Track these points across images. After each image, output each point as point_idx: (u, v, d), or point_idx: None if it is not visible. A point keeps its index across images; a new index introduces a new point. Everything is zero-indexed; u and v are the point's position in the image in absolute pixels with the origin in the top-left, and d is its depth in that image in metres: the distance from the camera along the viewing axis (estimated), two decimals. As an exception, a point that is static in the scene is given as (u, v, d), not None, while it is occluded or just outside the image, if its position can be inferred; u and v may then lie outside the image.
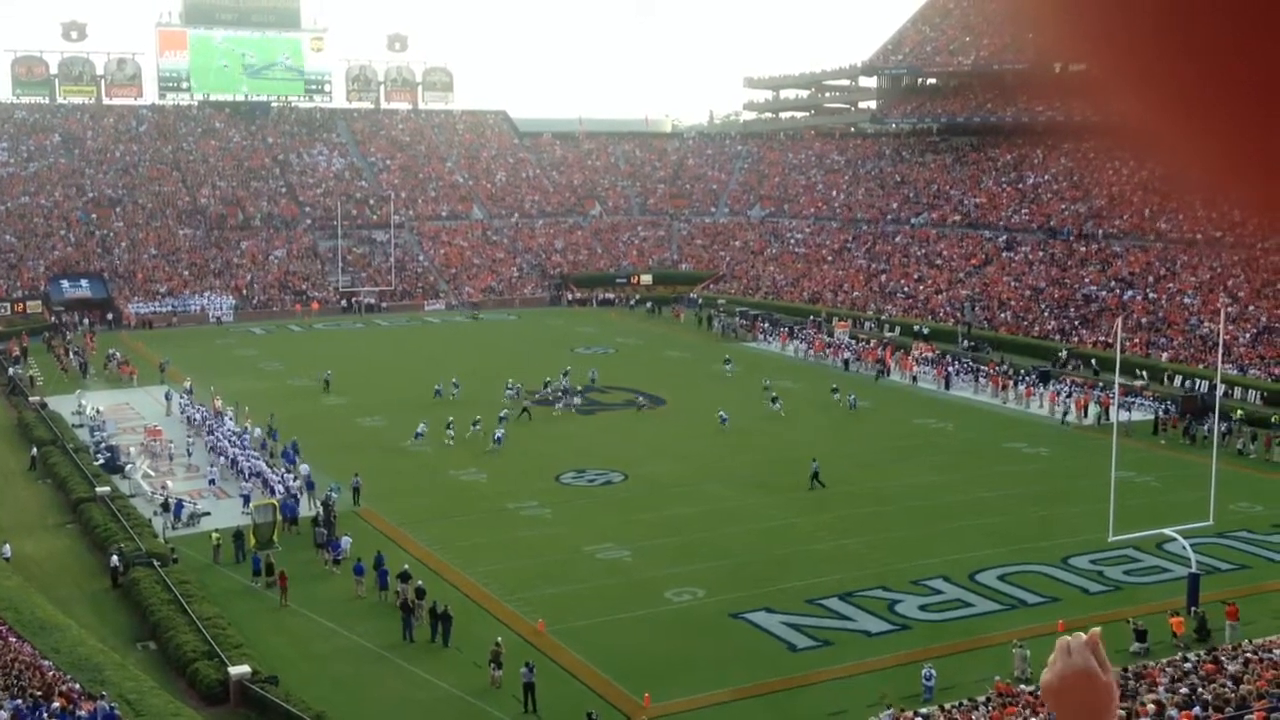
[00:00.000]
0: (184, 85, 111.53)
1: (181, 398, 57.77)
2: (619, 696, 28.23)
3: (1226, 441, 46.34)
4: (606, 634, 31.17)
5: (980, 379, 62.59)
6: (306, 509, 41.34)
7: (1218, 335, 47.29)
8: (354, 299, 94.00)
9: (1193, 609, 31.52)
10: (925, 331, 74.06)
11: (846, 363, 69.16)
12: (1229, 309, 62.23)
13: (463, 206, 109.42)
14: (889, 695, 26.35)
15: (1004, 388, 60.60)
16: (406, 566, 34.50)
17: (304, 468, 44.65)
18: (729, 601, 33.08)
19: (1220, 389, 45.26)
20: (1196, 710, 19.79)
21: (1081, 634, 2.16)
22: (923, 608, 32.84)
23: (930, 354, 67.84)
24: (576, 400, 58.16)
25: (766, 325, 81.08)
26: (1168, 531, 34.73)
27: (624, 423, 53.48)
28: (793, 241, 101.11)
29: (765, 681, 28.51)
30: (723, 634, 31.27)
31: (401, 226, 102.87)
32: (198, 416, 54.12)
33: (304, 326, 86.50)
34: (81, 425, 54.02)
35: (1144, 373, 59.79)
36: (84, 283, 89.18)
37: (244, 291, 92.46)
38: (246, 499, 41.65)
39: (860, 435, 51.50)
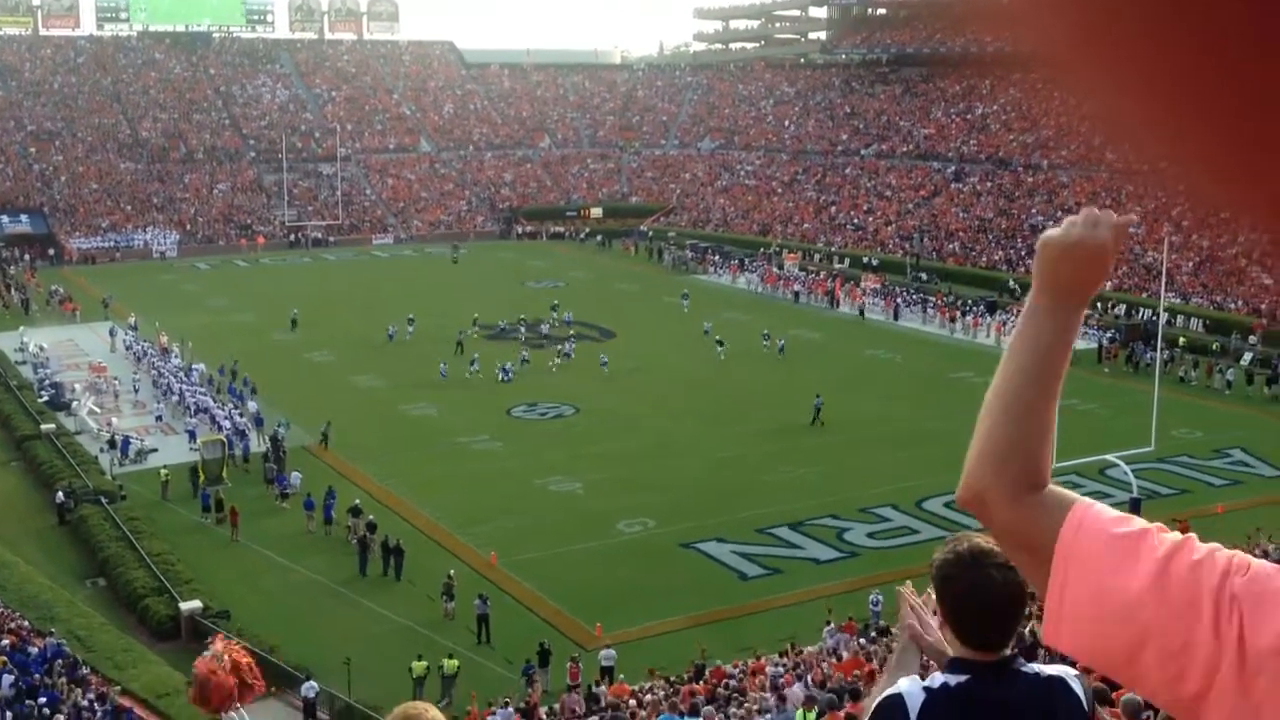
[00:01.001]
0: (122, 15, 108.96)
1: (126, 334, 57.09)
2: (572, 627, 28.50)
3: (1169, 369, 47.02)
4: (559, 565, 31.38)
5: (928, 310, 63.06)
6: (256, 445, 41.14)
7: (1161, 264, 47.85)
8: (300, 234, 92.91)
9: (1134, 533, 32.11)
10: (874, 263, 74.38)
11: (797, 295, 69.43)
12: (1173, 238, 62.88)
13: (410, 139, 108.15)
14: (833, 612, 26.84)
15: (952, 318, 61.12)
16: (358, 501, 34.50)
17: (252, 404, 44.37)
18: (680, 532, 33.37)
19: (1163, 317, 45.88)
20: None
21: (1113, 213, 1.85)
22: (871, 535, 33.31)
23: (878, 285, 68.18)
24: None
25: (717, 258, 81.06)
26: (1110, 457, 35.36)
27: (576, 356, 53.43)
28: (743, 174, 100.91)
29: (716, 609, 28.86)
30: (674, 564, 31.58)
31: (348, 160, 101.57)
32: (143, 352, 53.53)
33: (250, 261, 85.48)
34: (25, 362, 53.29)
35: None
36: (24, 218, 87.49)
37: (188, 226, 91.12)
38: (193, 435, 41.36)
39: (810, 367, 51.75)
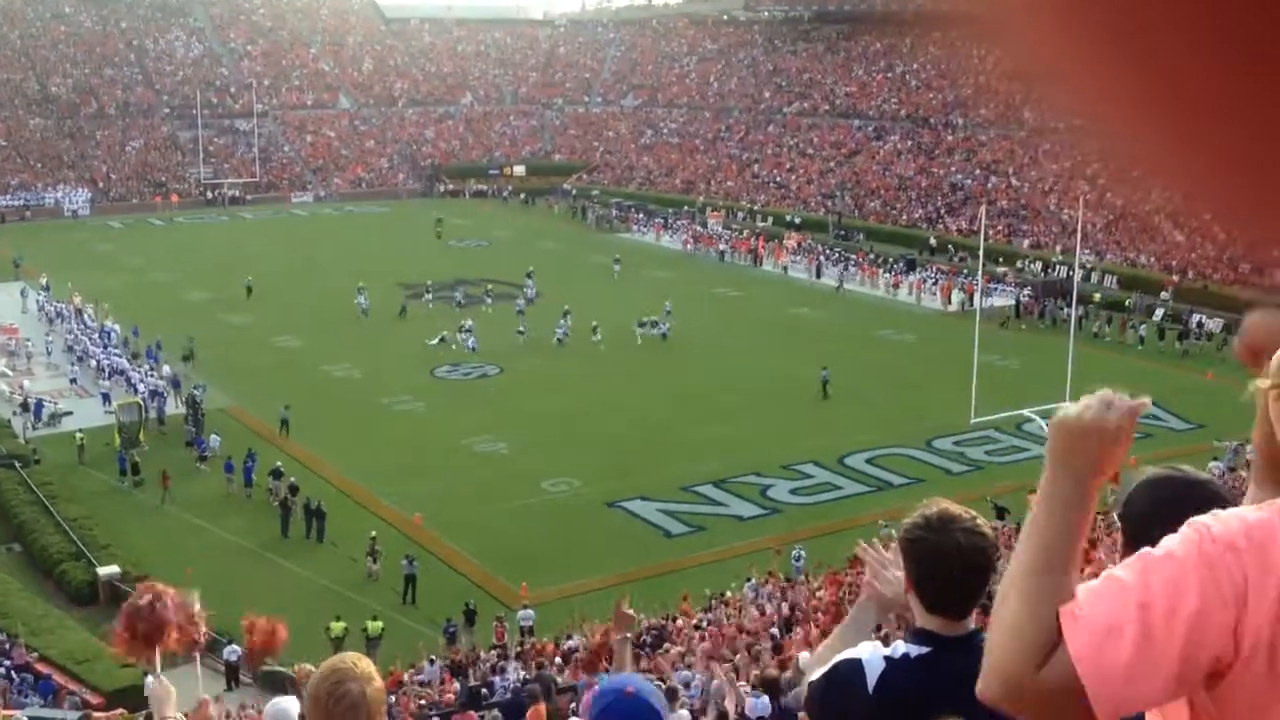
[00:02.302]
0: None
1: (38, 295, 55.81)
2: (497, 586, 28.56)
3: (1083, 325, 47.89)
4: (484, 525, 31.37)
5: (850, 268, 63.56)
6: (173, 407, 40.55)
7: (1076, 222, 48.61)
8: (217, 191, 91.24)
9: (1049, 486, 32.80)
10: (797, 221, 74.73)
11: (722, 254, 69.52)
12: (1087, 196, 63.90)
13: (329, 95, 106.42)
14: (753, 567, 27.18)
15: (873, 275, 61.70)
16: (279, 464, 34.15)
17: (166, 368, 43.61)
18: (605, 491, 33.49)
19: (1078, 274, 46.65)
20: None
21: (1127, 397, 1.84)
22: (794, 491, 33.68)
23: (800, 243, 68.56)
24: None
25: (641, 216, 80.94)
26: (1026, 413, 36.05)
27: (498, 316, 53.16)
28: (666, 131, 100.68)
29: (641, 567, 29.05)
30: (599, 523, 31.72)
31: (265, 116, 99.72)
32: (56, 314, 52.39)
33: (165, 220, 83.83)
34: (-69, 325, 51.96)
35: (1003, 260, 61.31)
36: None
37: (100, 184, 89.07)
38: (107, 397, 40.65)
39: (735, 325, 51.99)
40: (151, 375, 42.83)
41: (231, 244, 73.19)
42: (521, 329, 49.55)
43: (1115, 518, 2.92)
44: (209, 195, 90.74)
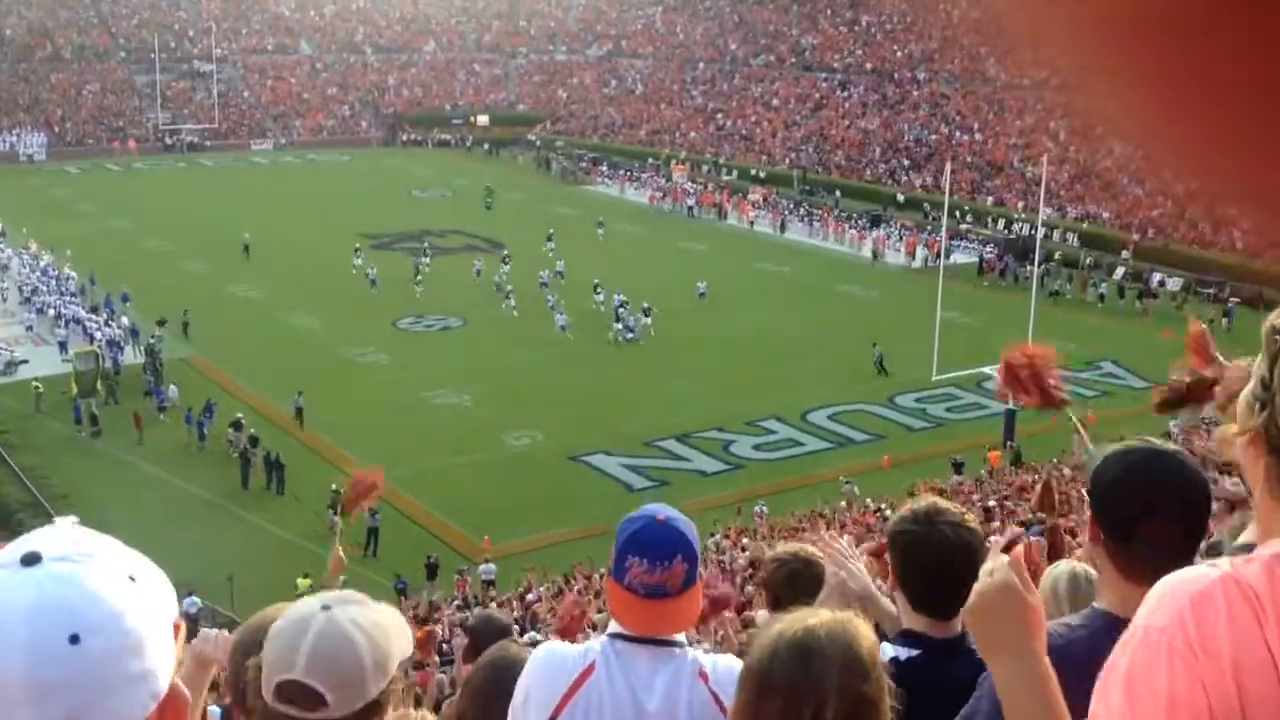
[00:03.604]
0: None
1: (-8, 241, 54.96)
2: (459, 539, 28.56)
3: (1044, 283, 48.12)
4: (446, 478, 31.31)
5: (814, 223, 63.55)
6: (131, 357, 40.13)
7: (1040, 178, 48.73)
8: (175, 137, 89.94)
9: (1009, 443, 33.13)
10: (761, 175, 74.54)
11: (691, 209, 69.03)
12: (1050, 152, 64.12)
13: (290, 41, 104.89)
14: (717, 524, 27.30)
15: (838, 231, 61.73)
16: (240, 415, 33.86)
17: (124, 319, 43.03)
18: (568, 445, 33.47)
19: (1041, 232, 46.81)
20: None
21: (1003, 555, 2.02)
22: (756, 447, 33.79)
23: (765, 197, 68.44)
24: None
25: (605, 169, 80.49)
26: (987, 370, 36.21)
27: (462, 268, 52.82)
28: (631, 81, 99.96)
29: (603, 522, 29.01)
30: (562, 476, 31.72)
31: (225, 60, 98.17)
32: (10, 260, 51.60)
33: (122, 166, 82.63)
34: (-117, 271, 51.08)
35: (969, 216, 61.45)
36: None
37: (56, 128, 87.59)
38: (64, 346, 40.18)
39: (699, 280, 51.85)
40: (110, 325, 42.29)
41: (191, 192, 72.23)
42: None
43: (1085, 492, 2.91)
44: (167, 141, 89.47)
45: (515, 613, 20.55)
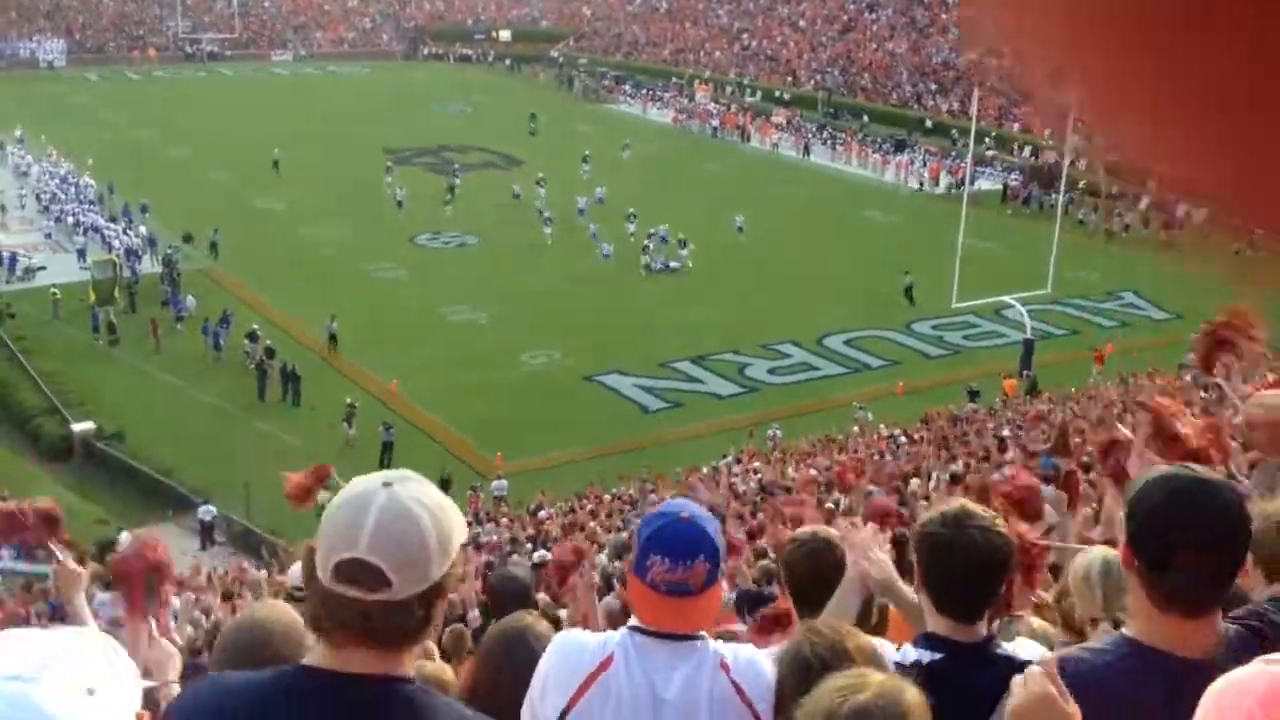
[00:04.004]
0: None
1: (12, 148, 54.82)
2: (473, 456, 28.66)
3: (1069, 211, 47.58)
4: (461, 395, 31.33)
5: (837, 146, 62.89)
6: (149, 267, 40.18)
7: (1068, 104, 47.95)
8: (195, 46, 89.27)
9: (1025, 372, 32.98)
10: (786, 97, 73.67)
11: (715, 130, 68.41)
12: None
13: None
14: (732, 447, 27.34)
15: (861, 155, 61.11)
16: (255, 327, 33.93)
17: (142, 228, 42.99)
18: (583, 364, 33.45)
19: (1068, 160, 46.22)
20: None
21: (1036, 668, 1.98)
22: (771, 371, 33.70)
23: (788, 120, 67.72)
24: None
25: (628, 88, 79.65)
26: (1007, 299, 36.00)
27: (480, 184, 52.53)
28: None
29: (617, 442, 29.15)
30: (576, 396, 31.74)
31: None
32: (30, 167, 51.53)
33: (143, 74, 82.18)
34: (-97, 175, 51.09)
35: (984, 139, 60.77)
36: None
37: (76, 35, 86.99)
38: (82, 254, 40.24)
39: (718, 201, 51.54)
40: (128, 234, 42.29)
41: (211, 102, 71.83)
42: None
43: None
44: (187, 50, 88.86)
45: (528, 530, 20.66)
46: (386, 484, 2.10)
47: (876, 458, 22.46)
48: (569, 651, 2.92)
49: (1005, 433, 22.18)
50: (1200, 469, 2.57)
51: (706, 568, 2.81)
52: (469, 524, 16.52)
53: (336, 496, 2.16)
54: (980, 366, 33.94)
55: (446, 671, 3.48)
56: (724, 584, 3.10)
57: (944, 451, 21.80)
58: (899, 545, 9.49)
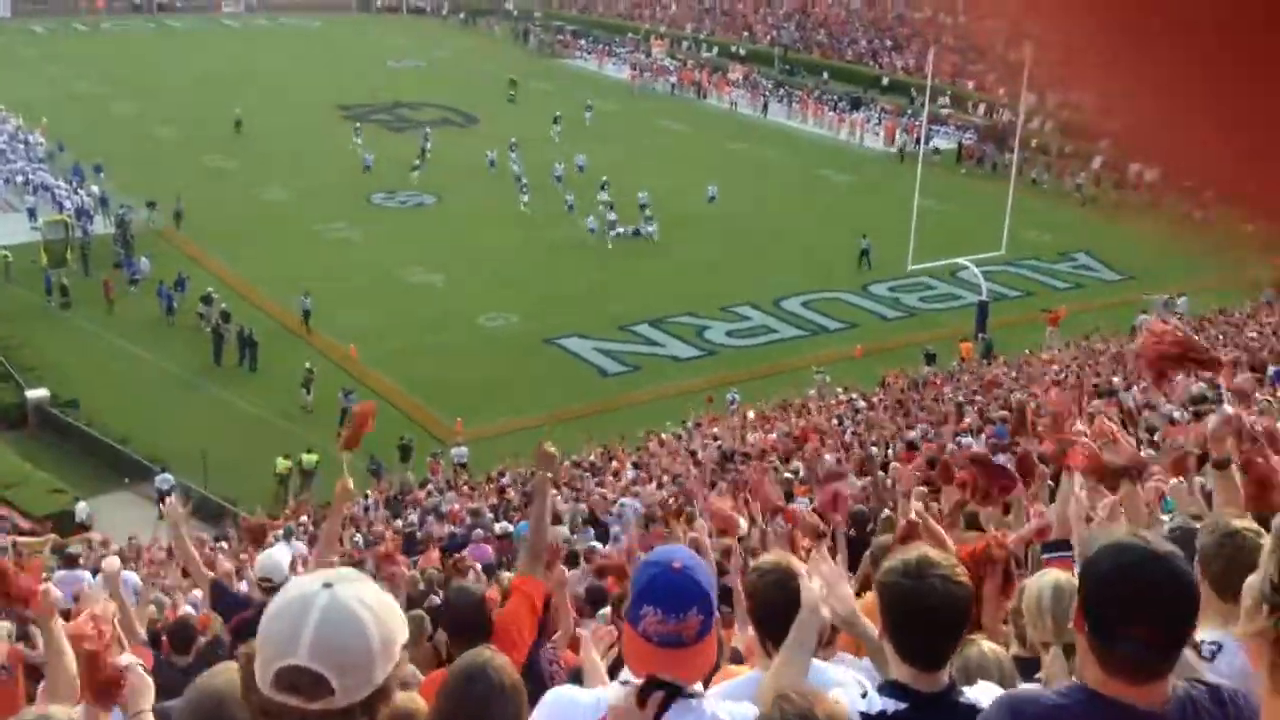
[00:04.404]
0: None
1: (-44, 103, 53.74)
2: (432, 421, 28.66)
3: (1023, 171, 47.78)
4: (419, 359, 31.27)
5: (793, 104, 62.78)
6: (101, 227, 39.63)
7: (1023, 62, 48.07)
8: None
9: (980, 335, 33.31)
10: (742, 53, 73.36)
11: (674, 87, 67.88)
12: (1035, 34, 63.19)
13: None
14: (693, 412, 27.45)
15: (817, 114, 61.06)
16: (210, 290, 33.64)
17: (94, 187, 42.32)
18: (542, 327, 33.44)
19: (1021, 119, 46.43)
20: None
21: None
22: (730, 334, 33.86)
23: (745, 75, 67.47)
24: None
25: (584, 43, 79.00)
26: (962, 260, 36.28)
27: (436, 141, 52.07)
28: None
29: (577, 406, 29.22)
30: (536, 359, 31.76)
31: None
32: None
33: (90, 26, 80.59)
34: None
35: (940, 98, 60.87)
36: None
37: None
38: (32, 213, 39.63)
39: (678, 161, 51.40)
40: (79, 192, 41.66)
41: (160, 55, 70.56)
42: (569, 201, 43.43)
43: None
44: (135, 1, 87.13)
45: (490, 500, 20.72)
46: (327, 585, 2.04)
47: (835, 423, 22.69)
48: (561, 713, 2.92)
49: (961, 398, 22.44)
50: (1154, 541, 2.63)
51: (700, 619, 2.78)
52: (430, 492, 16.54)
53: (274, 601, 2.09)
54: (937, 329, 34.23)
55: (416, 700, 3.54)
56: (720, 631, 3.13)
57: (901, 418, 22.06)
58: (859, 522, 9.69)
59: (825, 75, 67.18)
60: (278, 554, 7.03)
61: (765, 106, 62.71)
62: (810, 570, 3.53)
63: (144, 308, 34.28)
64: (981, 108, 60.60)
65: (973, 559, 4.56)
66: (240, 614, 6.46)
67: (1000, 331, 33.36)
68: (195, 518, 25.12)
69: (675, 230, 41.30)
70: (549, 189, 45.14)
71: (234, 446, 26.79)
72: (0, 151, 46.37)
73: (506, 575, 11.15)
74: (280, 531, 18.09)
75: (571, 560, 12.11)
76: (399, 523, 19.28)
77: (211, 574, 7.34)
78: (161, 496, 25.02)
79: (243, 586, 10.03)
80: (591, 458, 24.04)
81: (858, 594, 5.53)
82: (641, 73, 70.48)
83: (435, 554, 13.99)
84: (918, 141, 47.18)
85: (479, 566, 11.93)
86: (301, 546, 15.94)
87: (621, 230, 40.69)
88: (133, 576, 14.35)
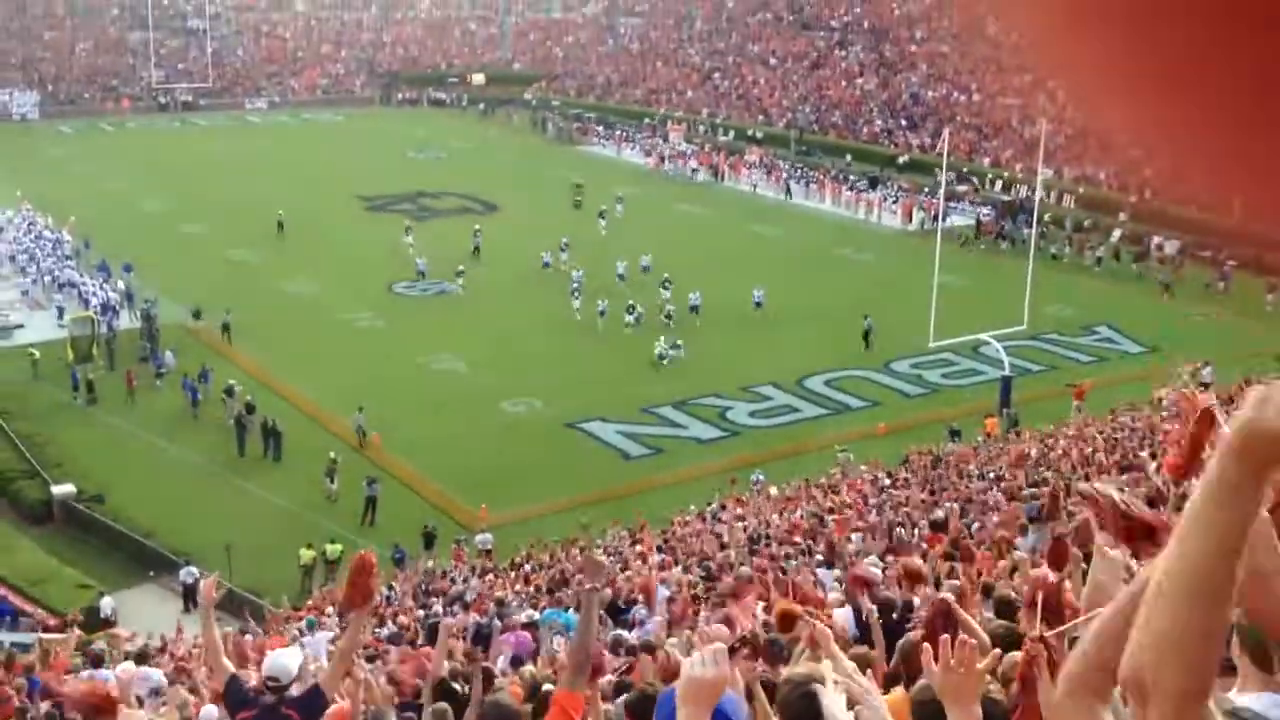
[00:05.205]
0: None
1: (-14, 204, 54.68)
2: (456, 508, 28.62)
3: (1042, 246, 47.88)
4: (443, 446, 31.32)
5: (810, 184, 63.17)
6: (127, 322, 40.04)
7: (1037, 138, 48.42)
8: (169, 96, 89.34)
9: (1005, 410, 33.14)
10: (758, 135, 74.10)
11: (695, 171, 68.29)
12: (1048, 112, 63.88)
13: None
14: (718, 494, 27.28)
15: (835, 193, 61.43)
16: (232, 382, 33.80)
17: (120, 283, 42.80)
18: (565, 411, 33.47)
19: (1039, 194, 46.62)
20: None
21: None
22: (753, 414, 33.79)
23: (760, 158, 68.04)
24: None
25: (601, 129, 79.97)
26: (983, 336, 36.22)
27: (458, 230, 52.60)
28: (627, 39, 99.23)
29: (600, 490, 29.14)
30: (559, 444, 31.74)
31: (218, 18, 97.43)
32: (7, 222, 51.38)
33: (116, 125, 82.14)
34: (-124, 234, 50.83)
35: (956, 175, 61.18)
36: None
37: (49, 87, 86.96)
38: (60, 311, 40.11)
39: (697, 244, 51.68)
40: (104, 288, 42.15)
41: (186, 152, 71.76)
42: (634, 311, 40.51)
43: None
44: (161, 100, 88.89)
45: (516, 585, 20.59)
46: None
47: (861, 502, 22.55)
48: None
49: (992, 475, 22.27)
50: None
51: None
52: (453, 581, 16.24)
53: None
54: (960, 405, 34.13)
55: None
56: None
57: (928, 495, 21.88)
58: (885, 608, 9.57)
59: (849, 158, 67.50)
60: (288, 656, 7.01)
61: (788, 189, 62.88)
62: (841, 679, 3.51)
63: (169, 401, 34.52)
64: (998, 184, 60.86)
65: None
66: (243, 712, 6.47)
67: (1025, 406, 33.20)
68: (220, 610, 25.15)
69: (696, 312, 41.02)
70: (610, 290, 42.91)
71: (258, 537, 26.80)
72: (29, 251, 47.03)
73: (529, 670, 11.09)
74: (303, 623, 18.02)
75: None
76: (421, 613, 19.13)
77: (231, 667, 7.32)
78: (188, 588, 25.09)
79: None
80: (614, 542, 23.92)
81: (886, 689, 5.45)
82: (662, 161, 70.81)
83: (459, 645, 13.88)
84: (935, 218, 47.36)
85: (500, 659, 11.82)
86: (323, 640, 15.85)
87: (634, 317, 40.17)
88: (156, 673, 14.27)
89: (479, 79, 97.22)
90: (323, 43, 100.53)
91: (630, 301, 40.69)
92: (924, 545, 15.92)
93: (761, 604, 10.44)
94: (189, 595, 25.40)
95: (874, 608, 8.69)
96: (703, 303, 41.31)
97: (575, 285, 42.60)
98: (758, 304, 41.61)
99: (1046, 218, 53.30)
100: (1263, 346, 33.53)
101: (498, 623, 15.55)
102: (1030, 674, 4.23)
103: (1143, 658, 1.47)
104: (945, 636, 3.22)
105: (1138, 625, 1.51)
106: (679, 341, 37.50)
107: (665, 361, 36.71)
